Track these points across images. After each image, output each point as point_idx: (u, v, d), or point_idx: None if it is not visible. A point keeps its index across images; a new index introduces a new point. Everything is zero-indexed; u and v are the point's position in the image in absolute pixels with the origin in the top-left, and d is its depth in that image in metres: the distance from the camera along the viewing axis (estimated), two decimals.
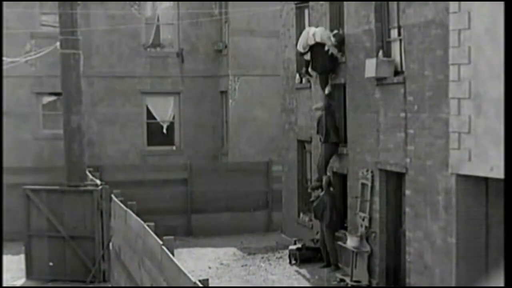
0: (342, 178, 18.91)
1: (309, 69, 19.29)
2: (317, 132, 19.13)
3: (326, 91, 18.69)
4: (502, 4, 11.33)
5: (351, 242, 17.21)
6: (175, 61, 28.16)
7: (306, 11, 21.20)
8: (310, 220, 20.90)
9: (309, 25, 20.74)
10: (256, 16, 26.58)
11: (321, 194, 18.49)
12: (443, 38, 13.60)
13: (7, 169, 22.13)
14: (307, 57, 19.05)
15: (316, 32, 18.61)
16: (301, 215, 21.90)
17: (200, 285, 8.18)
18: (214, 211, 24.68)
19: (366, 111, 17.01)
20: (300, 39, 19.12)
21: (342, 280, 17.40)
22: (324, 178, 18.53)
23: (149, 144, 28.24)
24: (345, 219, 18.62)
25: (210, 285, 8.56)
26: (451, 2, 13.09)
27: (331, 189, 18.59)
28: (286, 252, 20.27)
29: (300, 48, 19.05)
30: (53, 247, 18.40)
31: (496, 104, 11.90)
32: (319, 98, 19.93)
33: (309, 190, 18.98)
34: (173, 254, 10.05)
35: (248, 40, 26.66)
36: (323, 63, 18.59)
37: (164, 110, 28.51)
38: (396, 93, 15.61)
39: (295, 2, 21.77)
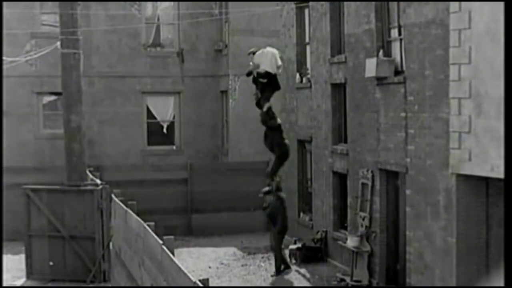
0: (342, 178, 18.92)
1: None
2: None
3: (265, 108, 18.59)
4: (502, 4, 11.33)
5: (351, 242, 17.22)
6: (175, 61, 28.14)
7: (306, 11, 21.21)
8: (310, 220, 20.91)
9: (310, 25, 20.76)
10: (256, 16, 26.56)
11: (272, 200, 18.51)
12: (443, 38, 13.61)
13: (8, 169, 22.11)
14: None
15: (258, 61, 18.52)
16: (301, 215, 21.90)
17: (200, 285, 8.18)
18: (214, 210, 24.66)
19: (366, 110, 17.02)
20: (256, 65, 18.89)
21: (342, 280, 17.41)
22: (274, 184, 18.63)
23: (149, 144, 28.22)
24: (345, 219, 18.63)
25: (210, 285, 8.55)
26: (451, 2, 13.10)
27: (280, 194, 18.67)
28: (286, 252, 20.27)
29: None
30: (53, 247, 18.39)
31: (497, 104, 11.91)
32: (319, 97, 19.95)
33: (260, 195, 19.03)
34: (173, 254, 10.04)
35: (248, 40, 26.61)
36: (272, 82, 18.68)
37: (164, 110, 28.49)
38: (397, 93, 15.62)
39: (295, 2, 21.77)
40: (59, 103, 26.28)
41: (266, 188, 18.90)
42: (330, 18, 19.19)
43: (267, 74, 18.57)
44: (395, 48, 16.14)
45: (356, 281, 17.04)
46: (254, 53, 18.77)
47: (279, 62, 18.76)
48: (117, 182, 21.46)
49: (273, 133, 18.65)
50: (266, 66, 18.48)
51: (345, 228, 18.61)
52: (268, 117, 18.68)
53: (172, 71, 28.12)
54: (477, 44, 12.49)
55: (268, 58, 18.55)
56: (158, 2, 28.34)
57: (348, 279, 17.22)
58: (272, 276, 18.43)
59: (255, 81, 18.91)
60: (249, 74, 19.11)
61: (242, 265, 19.74)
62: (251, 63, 18.94)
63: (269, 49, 18.92)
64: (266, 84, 18.67)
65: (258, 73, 18.55)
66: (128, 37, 27.54)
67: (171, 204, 24.44)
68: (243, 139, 26.83)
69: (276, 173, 18.89)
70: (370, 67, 16.10)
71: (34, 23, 26.87)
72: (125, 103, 27.83)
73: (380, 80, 16.22)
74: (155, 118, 28.32)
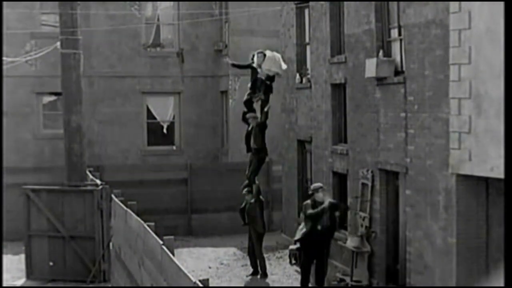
0: (342, 178, 18.92)
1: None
2: (246, 144, 19.36)
3: (266, 109, 18.88)
4: (502, 4, 11.33)
5: (351, 242, 17.22)
6: (175, 61, 28.16)
7: (306, 11, 21.21)
8: None
9: (310, 25, 20.76)
10: (256, 16, 26.56)
11: (252, 201, 18.54)
12: (443, 38, 13.61)
13: (7, 169, 22.12)
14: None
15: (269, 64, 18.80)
16: (301, 215, 21.87)
17: (200, 285, 8.18)
18: (214, 211, 24.66)
19: (366, 111, 17.02)
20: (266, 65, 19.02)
21: (342, 280, 17.41)
22: (254, 187, 18.73)
23: (149, 144, 28.23)
24: (345, 219, 18.62)
25: (210, 285, 8.56)
26: (451, 2, 13.09)
27: (261, 197, 18.82)
28: (286, 252, 20.26)
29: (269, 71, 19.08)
30: (53, 247, 18.40)
31: (496, 104, 11.91)
32: (319, 97, 19.96)
33: (243, 193, 19.12)
34: (173, 254, 10.05)
35: (248, 40, 26.62)
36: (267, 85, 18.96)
37: (164, 110, 28.51)
38: (396, 93, 15.61)
39: (295, 2, 21.77)
40: (59, 103, 26.28)
41: (246, 189, 18.93)
42: (330, 18, 19.19)
43: (274, 77, 19.00)
44: (395, 48, 16.14)
45: (356, 281, 17.03)
46: (264, 54, 18.95)
47: (284, 66, 19.19)
48: (117, 182, 21.47)
49: (261, 134, 18.90)
50: (277, 68, 18.91)
51: (345, 228, 18.60)
52: (265, 118, 18.89)
53: (172, 71, 28.14)
54: (477, 44, 12.49)
55: (278, 61, 18.99)
56: (158, 2, 28.36)
57: (348, 279, 17.22)
58: (247, 276, 18.48)
59: (255, 82, 19.00)
60: (245, 67, 19.21)
61: (242, 265, 19.75)
62: (254, 60, 18.90)
63: (274, 52, 19.23)
64: (268, 86, 18.95)
65: (268, 75, 18.80)
66: (128, 37, 27.56)
67: (171, 204, 24.45)
68: (243, 139, 26.82)
69: (255, 176, 19.04)
70: (370, 67, 16.10)
71: (34, 23, 26.89)
72: (125, 103, 27.84)
73: (380, 80, 16.22)
74: (155, 118, 28.34)
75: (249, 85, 19.38)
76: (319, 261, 16.34)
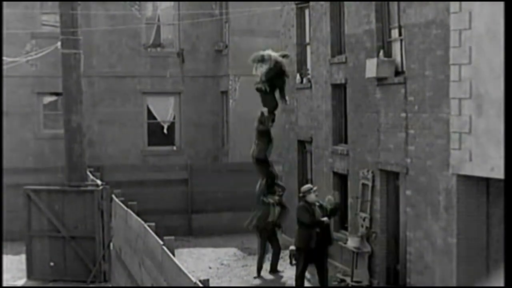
0: (343, 179, 18.92)
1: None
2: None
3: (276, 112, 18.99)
4: (502, 4, 11.33)
5: (352, 242, 17.22)
6: (176, 61, 28.17)
7: (307, 11, 21.22)
8: None
9: (310, 25, 20.77)
10: (256, 16, 26.56)
11: (270, 201, 18.47)
12: (443, 38, 13.62)
13: (8, 169, 22.12)
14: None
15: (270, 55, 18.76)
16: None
17: (201, 285, 8.19)
18: (214, 211, 24.66)
19: (367, 111, 17.02)
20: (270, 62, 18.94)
21: (342, 280, 17.41)
22: (279, 190, 18.72)
23: (149, 144, 28.24)
24: (346, 220, 18.64)
25: (211, 285, 8.56)
26: (451, 2, 13.10)
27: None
28: (286, 252, 20.27)
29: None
30: (53, 247, 18.41)
31: (497, 104, 11.92)
32: (319, 98, 19.96)
33: (262, 198, 18.98)
34: (173, 254, 10.05)
35: (248, 40, 26.61)
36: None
37: (165, 110, 28.52)
38: (397, 93, 15.62)
39: (295, 2, 21.78)
40: (59, 103, 26.30)
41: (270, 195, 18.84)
42: (330, 18, 19.19)
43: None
44: (396, 48, 16.14)
45: (356, 281, 17.04)
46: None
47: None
48: (118, 182, 21.48)
49: (269, 136, 18.86)
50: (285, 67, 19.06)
51: (346, 229, 18.60)
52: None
53: (172, 71, 28.14)
54: (477, 45, 12.50)
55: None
56: (158, 3, 28.36)
57: (348, 279, 17.23)
58: (255, 277, 18.47)
59: (274, 82, 18.89)
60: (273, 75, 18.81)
61: (243, 266, 19.75)
62: (273, 58, 18.69)
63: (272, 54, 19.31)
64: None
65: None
66: (128, 37, 27.57)
67: (172, 205, 24.44)
68: (243, 139, 26.83)
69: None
70: (371, 67, 16.10)
71: (35, 23, 26.89)
72: (125, 103, 27.85)
73: (380, 81, 16.22)
74: (155, 118, 28.34)
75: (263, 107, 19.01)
76: (319, 263, 16.33)
